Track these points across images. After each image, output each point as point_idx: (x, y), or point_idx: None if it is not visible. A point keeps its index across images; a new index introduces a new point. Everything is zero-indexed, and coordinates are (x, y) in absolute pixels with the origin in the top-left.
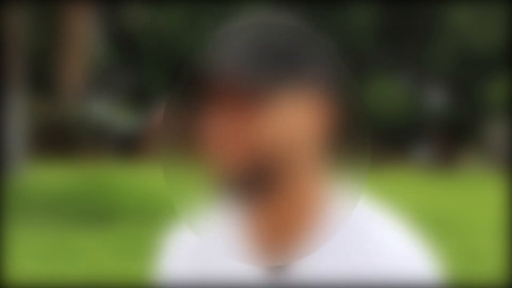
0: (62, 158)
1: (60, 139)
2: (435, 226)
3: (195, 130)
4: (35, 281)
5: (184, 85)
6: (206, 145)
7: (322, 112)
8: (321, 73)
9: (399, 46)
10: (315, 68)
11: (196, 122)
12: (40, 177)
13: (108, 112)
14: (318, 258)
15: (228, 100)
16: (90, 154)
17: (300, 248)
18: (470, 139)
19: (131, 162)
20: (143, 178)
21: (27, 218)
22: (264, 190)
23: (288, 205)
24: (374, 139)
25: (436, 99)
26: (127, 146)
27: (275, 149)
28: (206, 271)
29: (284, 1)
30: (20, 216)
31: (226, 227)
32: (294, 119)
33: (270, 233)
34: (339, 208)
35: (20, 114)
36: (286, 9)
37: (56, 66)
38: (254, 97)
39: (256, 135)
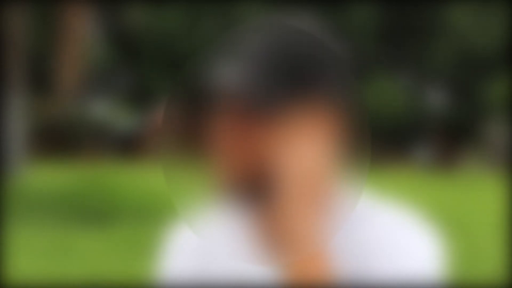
0: (62, 158)
1: (60, 139)
2: (435, 225)
3: (197, 131)
4: (35, 281)
5: (188, 90)
6: (209, 147)
7: (332, 120)
8: (334, 83)
9: (399, 46)
10: (328, 79)
11: (199, 123)
12: (40, 177)
13: (108, 112)
14: (322, 258)
15: (236, 110)
16: (90, 154)
17: (304, 247)
18: (470, 139)
19: (131, 162)
20: (143, 178)
21: (27, 218)
22: (267, 198)
23: (292, 206)
24: (375, 139)
25: (436, 99)
26: (127, 146)
27: (282, 159)
28: (207, 271)
29: (284, 3)
30: (20, 216)
31: (227, 227)
32: (303, 130)
33: (273, 232)
34: (343, 208)
35: (20, 114)
36: (286, 10)
37: (56, 66)
38: (262, 109)
39: (262, 144)
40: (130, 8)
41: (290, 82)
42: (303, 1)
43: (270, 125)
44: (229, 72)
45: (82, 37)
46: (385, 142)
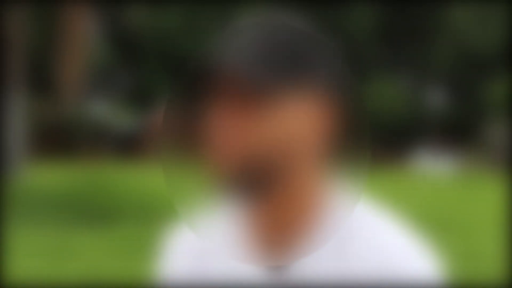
0: (62, 158)
1: (60, 139)
2: (435, 226)
3: (196, 129)
4: (35, 280)
5: (187, 82)
6: (207, 143)
7: (325, 112)
8: (326, 74)
9: (400, 46)
10: (320, 69)
11: (198, 120)
12: (40, 177)
13: (108, 112)
14: (318, 258)
15: (232, 97)
16: (89, 154)
17: (300, 248)
18: (470, 139)
19: (131, 162)
20: (143, 178)
21: (27, 218)
22: (263, 189)
23: (288, 205)
24: (374, 139)
25: (436, 99)
26: (127, 146)
27: (277, 148)
28: (206, 271)
29: (284, 2)
30: (20, 215)
31: (226, 226)
32: (297, 119)
33: (270, 232)
34: (339, 208)
35: (20, 114)
36: (286, 10)
37: (56, 66)
38: (258, 96)
39: (258, 133)
40: (131, 9)
41: (282, 66)
42: (304, 2)
43: (264, 110)
44: (225, 54)
45: (83, 38)
46: (385, 142)
